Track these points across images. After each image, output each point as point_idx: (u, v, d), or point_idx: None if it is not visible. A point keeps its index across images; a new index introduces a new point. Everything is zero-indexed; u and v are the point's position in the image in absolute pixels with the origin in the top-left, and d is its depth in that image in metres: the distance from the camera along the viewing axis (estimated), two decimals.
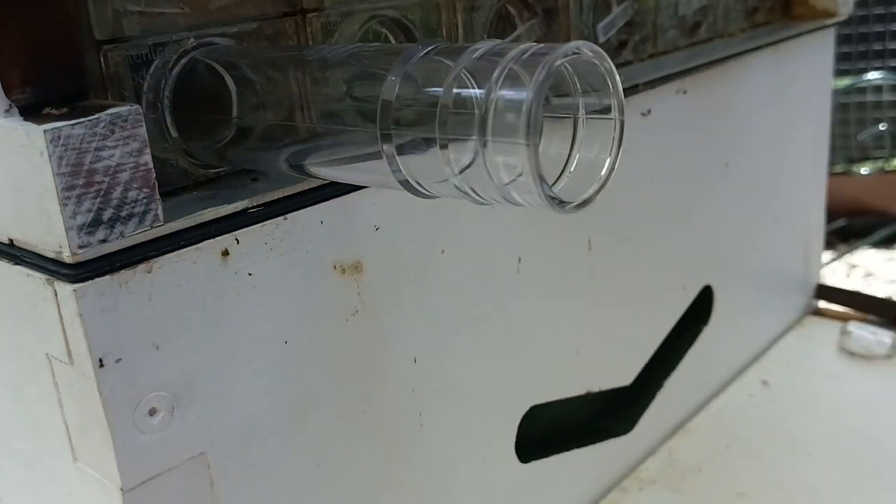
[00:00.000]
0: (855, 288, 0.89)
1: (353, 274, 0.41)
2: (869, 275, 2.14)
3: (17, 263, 0.34)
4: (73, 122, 0.30)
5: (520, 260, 0.51)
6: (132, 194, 0.32)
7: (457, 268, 0.47)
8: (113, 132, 0.31)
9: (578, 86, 0.29)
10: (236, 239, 0.36)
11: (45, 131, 0.30)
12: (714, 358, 0.73)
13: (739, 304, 0.76)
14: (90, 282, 0.32)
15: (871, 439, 0.67)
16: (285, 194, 0.38)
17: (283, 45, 0.41)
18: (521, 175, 0.27)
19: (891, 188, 2.16)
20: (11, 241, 0.35)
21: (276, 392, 0.39)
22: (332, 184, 0.39)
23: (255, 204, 0.37)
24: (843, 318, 0.87)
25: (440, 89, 0.28)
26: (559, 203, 0.27)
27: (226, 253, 0.36)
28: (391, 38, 0.47)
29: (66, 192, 0.31)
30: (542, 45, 0.28)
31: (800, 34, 0.75)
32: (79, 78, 0.34)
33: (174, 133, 0.38)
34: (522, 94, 0.26)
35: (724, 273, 0.72)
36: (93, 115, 0.31)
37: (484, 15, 0.51)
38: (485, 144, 0.27)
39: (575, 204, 0.28)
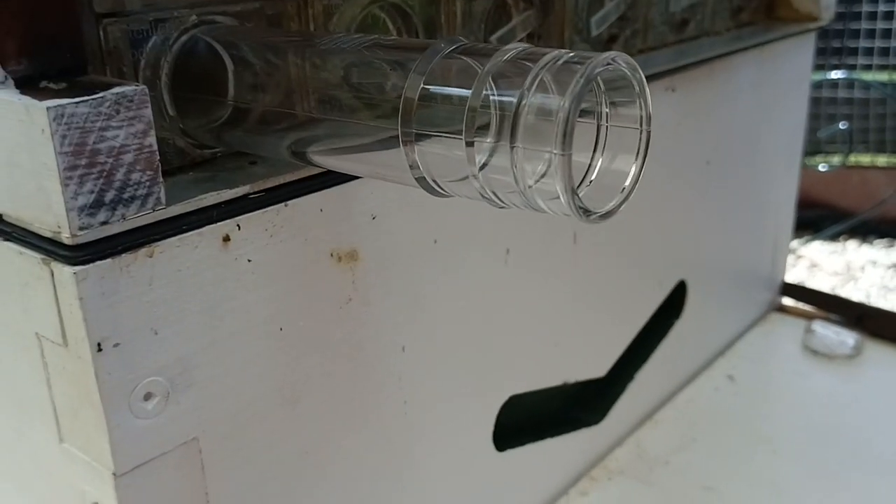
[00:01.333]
0: (819, 287, 0.91)
1: (348, 262, 0.41)
2: (814, 266, 2.19)
3: (6, 239, 0.33)
4: (78, 100, 0.29)
5: (508, 251, 0.51)
6: (135, 176, 0.31)
7: (448, 258, 0.46)
8: (118, 112, 0.30)
9: (605, 94, 0.29)
10: (238, 225, 0.35)
11: (48, 108, 0.29)
12: (683, 351, 0.74)
13: (710, 300, 0.76)
14: (91, 265, 0.31)
15: (834, 439, 0.68)
16: (287, 180, 0.37)
17: (293, 30, 0.40)
18: (542, 177, 0.27)
19: (841, 183, 2.20)
20: (0, 215, 0.34)
21: (269, 378, 0.38)
22: (332, 171, 0.39)
23: (256, 189, 0.36)
24: (806, 316, 0.88)
25: (467, 91, 0.27)
26: (585, 213, 0.27)
27: (227, 238, 0.35)
28: (389, 23, 0.46)
29: (68, 171, 0.30)
30: (572, 52, 0.27)
31: (784, 37, 0.76)
32: (77, 51, 0.33)
33: (171, 112, 0.37)
34: (558, 102, 0.25)
35: (697, 268, 0.73)
36: (96, 93, 0.30)
37: (482, 4, 0.51)
38: (514, 150, 0.26)
39: (599, 214, 0.28)
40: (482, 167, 0.29)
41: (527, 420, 0.58)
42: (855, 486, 0.63)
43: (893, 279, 1.95)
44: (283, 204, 0.37)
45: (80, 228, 0.30)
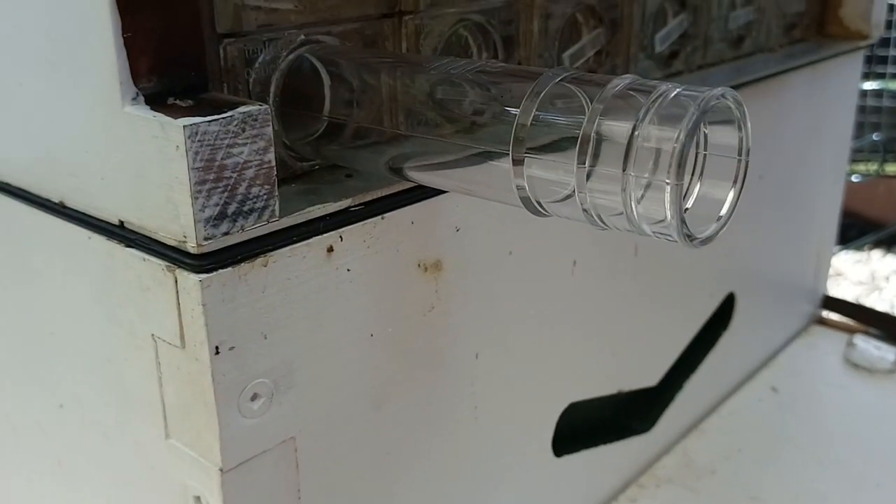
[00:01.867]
0: (860, 301, 0.92)
1: (433, 272, 0.43)
2: (838, 275, 2.19)
3: (128, 246, 0.35)
4: (209, 119, 0.31)
5: (575, 263, 0.53)
6: (255, 190, 0.33)
7: (522, 269, 0.48)
8: (244, 130, 0.32)
9: (706, 123, 0.31)
10: (340, 236, 0.37)
11: (184, 126, 0.31)
12: (730, 362, 0.76)
13: (756, 312, 0.78)
14: (214, 273, 0.33)
15: (877, 452, 0.70)
16: (383, 194, 0.39)
17: (400, 54, 0.42)
18: (639, 202, 0.29)
19: (868, 193, 2.21)
20: (122, 222, 0.36)
21: (359, 381, 0.40)
22: (422, 186, 0.40)
23: (357, 203, 0.38)
24: (847, 330, 0.89)
25: (581, 118, 0.29)
26: (690, 238, 0.29)
27: (330, 249, 0.37)
28: (471, 40, 0.48)
29: (198, 185, 0.32)
30: (680, 85, 0.29)
31: (835, 55, 0.77)
32: (201, 70, 0.35)
33: (276, 126, 0.39)
34: (673, 133, 0.27)
35: (746, 281, 0.74)
36: (225, 112, 0.32)
37: (557, 23, 0.53)
38: (626, 178, 0.28)
39: (701, 240, 0.30)
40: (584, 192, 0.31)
41: (582, 427, 0.60)
42: None
43: None
44: (380, 217, 0.39)
45: (206, 238, 0.32)
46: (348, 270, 0.38)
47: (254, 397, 0.36)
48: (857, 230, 2.13)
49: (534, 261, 0.49)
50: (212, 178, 0.32)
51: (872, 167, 2.07)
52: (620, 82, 0.30)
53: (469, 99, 0.34)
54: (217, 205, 0.32)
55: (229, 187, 0.33)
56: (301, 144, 0.40)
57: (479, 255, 0.45)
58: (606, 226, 0.31)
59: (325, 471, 0.40)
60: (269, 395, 0.36)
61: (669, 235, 0.29)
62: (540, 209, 0.33)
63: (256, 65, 0.39)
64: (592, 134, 0.29)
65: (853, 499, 0.64)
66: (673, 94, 0.28)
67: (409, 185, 0.40)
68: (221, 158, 0.32)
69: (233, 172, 0.32)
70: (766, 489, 0.65)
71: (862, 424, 0.74)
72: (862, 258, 2.28)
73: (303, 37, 0.39)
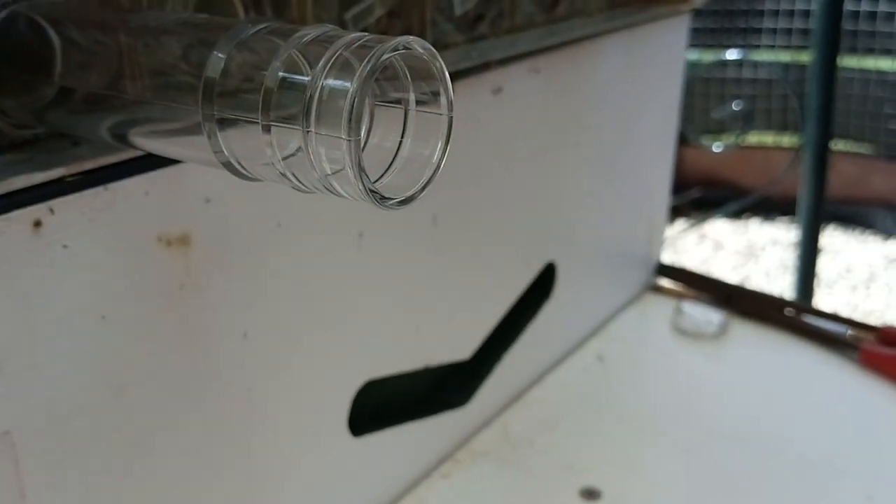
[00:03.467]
0: (692, 268, 0.93)
1: (180, 247, 0.40)
2: (718, 245, 2.24)
3: None
4: None
5: (361, 235, 0.50)
6: None
7: (293, 242, 0.46)
8: None
9: (410, 78, 0.29)
10: (50, 209, 0.34)
11: None
12: (553, 332, 0.75)
13: (581, 281, 0.77)
14: None
15: (692, 415, 0.70)
16: (107, 162, 0.36)
17: (113, 7, 0.38)
18: (343, 168, 0.27)
19: (744, 163, 2.27)
20: None
21: (90, 368, 0.37)
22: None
23: (73, 172, 0.35)
24: (680, 296, 0.90)
25: (264, 72, 0.27)
26: (380, 198, 0.27)
27: (38, 224, 0.34)
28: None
29: None
30: (372, 35, 0.27)
31: (654, 19, 0.77)
32: None
33: None
34: (347, 85, 0.25)
35: (568, 250, 0.74)
36: None
37: None
38: (308, 134, 0.26)
39: (397, 201, 0.28)
40: (288, 155, 0.28)
41: (387, 404, 0.58)
42: (709, 459, 0.65)
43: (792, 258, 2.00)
44: (102, 187, 0.36)
45: None
46: (65, 247, 0.35)
47: None
48: (736, 200, 2.18)
49: (309, 233, 0.47)
50: None
51: (734, 137, 2.12)
52: (312, 32, 0.27)
53: (173, 55, 0.31)
54: None
55: None
56: (20, 111, 0.37)
57: (237, 227, 0.42)
58: (307, 188, 0.29)
59: (55, 465, 0.37)
60: None
61: (361, 196, 0.27)
62: (246, 174, 0.30)
63: None
64: (276, 88, 0.27)
65: (666, 462, 0.65)
66: (358, 45, 0.26)
67: (141, 152, 0.37)
68: None
69: None
70: (580, 457, 0.64)
71: (682, 389, 0.74)
72: (740, 228, 2.34)
73: None
